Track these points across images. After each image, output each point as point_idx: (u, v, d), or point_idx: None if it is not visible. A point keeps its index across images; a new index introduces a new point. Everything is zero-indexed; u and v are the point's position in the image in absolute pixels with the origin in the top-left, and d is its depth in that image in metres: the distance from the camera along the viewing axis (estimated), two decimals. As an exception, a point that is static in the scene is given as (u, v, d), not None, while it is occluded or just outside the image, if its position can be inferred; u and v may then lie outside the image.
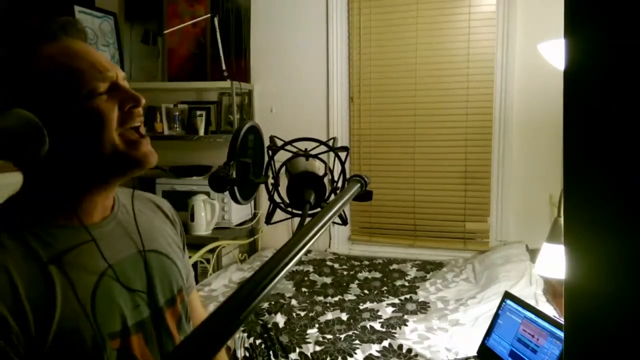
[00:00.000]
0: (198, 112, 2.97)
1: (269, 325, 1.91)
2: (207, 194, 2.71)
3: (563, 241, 0.37)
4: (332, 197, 0.71)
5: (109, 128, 0.74)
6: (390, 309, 2.10)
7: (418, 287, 2.33)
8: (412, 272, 2.57)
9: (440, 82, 2.82)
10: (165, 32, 3.09)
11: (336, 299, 2.24)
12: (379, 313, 2.06)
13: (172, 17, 3.17)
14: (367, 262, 2.74)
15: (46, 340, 0.68)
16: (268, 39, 3.02)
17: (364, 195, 0.68)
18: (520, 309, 1.48)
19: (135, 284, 0.81)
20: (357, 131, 3.01)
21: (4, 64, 0.73)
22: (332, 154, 0.74)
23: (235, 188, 0.68)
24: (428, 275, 2.51)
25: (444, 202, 2.88)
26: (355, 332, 1.88)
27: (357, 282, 2.46)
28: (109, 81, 0.76)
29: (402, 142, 2.92)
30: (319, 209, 0.60)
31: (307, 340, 1.82)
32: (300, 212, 0.65)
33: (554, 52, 1.71)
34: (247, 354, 1.80)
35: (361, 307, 2.13)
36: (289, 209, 0.70)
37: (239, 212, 2.87)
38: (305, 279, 2.50)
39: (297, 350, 1.76)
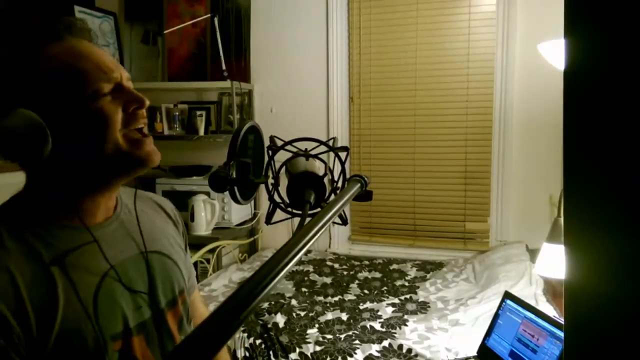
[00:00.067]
0: (198, 112, 2.97)
1: (269, 325, 1.91)
2: (207, 194, 2.71)
3: (563, 241, 0.37)
4: (332, 197, 0.71)
5: (112, 129, 0.74)
6: (390, 309, 2.10)
7: (418, 287, 2.33)
8: (412, 272, 2.57)
9: (440, 82, 2.82)
10: (165, 32, 3.09)
11: (336, 299, 2.24)
12: (379, 313, 2.06)
13: (172, 17, 3.17)
14: (367, 262, 2.74)
15: (48, 341, 0.68)
16: (268, 39, 3.02)
17: (364, 195, 0.68)
18: (520, 309, 1.48)
19: (137, 285, 0.81)
20: (357, 131, 3.01)
21: (8, 64, 0.73)
22: (332, 154, 0.74)
23: (235, 188, 0.68)
24: (428, 275, 2.51)
25: (444, 202, 2.88)
26: (355, 332, 1.88)
27: (357, 282, 2.46)
28: (113, 82, 0.76)
29: (402, 142, 2.92)
30: (319, 209, 0.60)
31: (307, 340, 1.82)
32: (300, 212, 0.65)
33: (554, 52, 1.71)
34: (247, 354, 1.80)
35: (361, 307, 2.13)
36: (289, 209, 0.70)
37: (239, 212, 2.87)
38: (305, 279, 2.50)
39: (297, 350, 1.76)
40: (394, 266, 2.66)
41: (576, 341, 0.38)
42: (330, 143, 0.75)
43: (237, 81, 2.82)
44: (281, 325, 1.95)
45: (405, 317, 2.00)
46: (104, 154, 0.75)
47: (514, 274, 2.23)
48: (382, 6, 2.88)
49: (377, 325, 1.93)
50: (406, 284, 2.41)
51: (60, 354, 0.69)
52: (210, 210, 2.70)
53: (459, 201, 2.86)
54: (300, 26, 2.97)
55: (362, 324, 1.95)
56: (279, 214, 0.72)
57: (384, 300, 2.19)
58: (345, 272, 2.60)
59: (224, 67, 2.84)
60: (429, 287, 2.34)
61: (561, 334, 1.32)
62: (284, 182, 0.71)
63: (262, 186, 0.72)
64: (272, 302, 2.16)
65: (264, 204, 2.94)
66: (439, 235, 2.92)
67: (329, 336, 1.85)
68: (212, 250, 2.62)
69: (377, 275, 2.55)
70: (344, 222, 0.69)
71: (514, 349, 1.44)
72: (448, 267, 2.60)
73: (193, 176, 2.89)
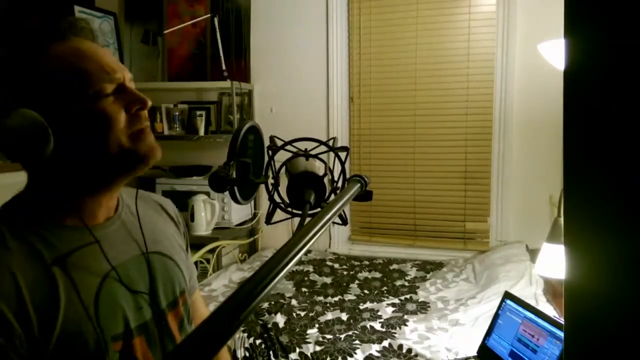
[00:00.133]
0: (198, 112, 2.97)
1: (269, 325, 1.91)
2: (207, 194, 2.71)
3: (563, 241, 0.37)
4: (332, 197, 0.71)
5: (115, 130, 0.74)
6: (390, 309, 2.10)
7: (418, 287, 2.33)
8: (412, 272, 2.57)
9: (440, 82, 2.82)
10: (165, 32, 3.09)
11: (336, 299, 2.24)
12: (379, 313, 2.06)
13: (172, 17, 3.17)
14: (367, 262, 2.74)
15: (49, 342, 0.68)
16: (268, 39, 3.02)
17: (364, 195, 0.68)
18: (520, 309, 1.48)
19: (138, 285, 0.81)
20: (357, 131, 3.01)
21: (12, 63, 0.73)
22: (332, 154, 0.74)
23: (235, 188, 0.68)
24: (428, 275, 2.51)
25: (444, 202, 2.88)
26: (355, 332, 1.88)
27: (357, 282, 2.46)
28: (116, 83, 0.75)
29: (402, 142, 2.92)
30: (319, 209, 0.60)
31: (307, 340, 1.82)
32: (300, 212, 0.65)
33: (554, 52, 1.71)
34: (247, 354, 1.80)
35: (361, 307, 2.13)
36: (289, 209, 0.70)
37: (239, 212, 2.87)
38: (305, 279, 2.50)
39: (297, 350, 1.76)
40: (394, 266, 2.66)
41: (576, 341, 0.38)
42: (330, 143, 0.75)
43: (237, 81, 2.82)
44: (281, 325, 1.95)
45: (405, 317, 2.00)
46: (107, 154, 0.74)
47: (514, 274, 2.23)
48: (382, 6, 2.88)
49: (377, 325, 1.93)
50: (406, 284, 2.41)
51: (61, 354, 0.69)
52: (210, 210, 2.70)
53: (459, 201, 2.86)
54: (300, 26, 2.97)
55: (362, 324, 1.95)
56: (279, 214, 0.72)
57: (384, 300, 2.19)
58: (345, 272, 2.60)
59: (224, 67, 2.84)
60: (429, 287, 2.34)
61: (561, 334, 1.32)
62: (284, 182, 0.71)
63: (262, 186, 0.72)
64: (272, 302, 2.16)
65: (264, 204, 2.94)
66: (439, 235, 2.92)
67: (329, 336, 1.85)
68: (212, 250, 2.62)
69: (377, 275, 2.55)
70: (344, 222, 0.69)
71: (514, 349, 1.44)
72: (448, 267, 2.60)
73: (193, 176, 2.89)
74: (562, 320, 1.29)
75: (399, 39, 2.87)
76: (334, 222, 0.55)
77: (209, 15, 2.93)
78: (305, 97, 3.00)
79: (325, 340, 1.82)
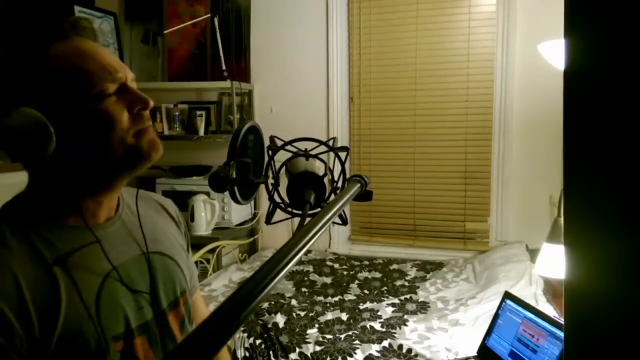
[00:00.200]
0: (198, 112, 2.97)
1: (269, 325, 1.91)
2: (207, 194, 2.71)
3: (563, 241, 0.37)
4: (332, 197, 0.71)
5: (117, 130, 0.74)
6: (390, 309, 2.10)
7: (418, 287, 2.33)
8: (412, 272, 2.57)
9: (440, 82, 2.82)
10: (165, 32, 3.09)
11: (336, 299, 2.24)
12: (379, 313, 2.06)
13: (172, 17, 3.17)
14: (367, 262, 2.74)
15: (50, 342, 0.68)
16: (268, 39, 3.02)
17: (364, 195, 0.68)
18: (520, 309, 1.48)
19: (138, 286, 0.81)
20: (357, 131, 3.01)
21: (14, 63, 0.73)
22: (332, 154, 0.74)
23: (235, 188, 0.68)
24: (428, 275, 2.51)
25: (444, 202, 2.88)
26: (355, 332, 1.88)
27: (357, 282, 2.46)
28: (118, 82, 0.75)
29: (402, 142, 2.92)
30: (319, 209, 0.60)
31: (307, 340, 1.82)
32: (300, 212, 0.65)
33: (554, 52, 1.71)
34: (247, 354, 1.80)
35: (361, 307, 2.13)
36: (289, 209, 0.70)
37: (239, 212, 2.87)
38: (305, 279, 2.50)
39: (297, 350, 1.76)
40: (394, 266, 2.66)
41: (576, 341, 0.38)
42: (330, 143, 0.75)
43: (237, 81, 2.82)
44: (281, 325, 1.95)
45: (405, 317, 2.00)
46: (109, 153, 0.74)
47: (514, 274, 2.23)
48: (382, 6, 2.88)
49: (377, 325, 1.93)
50: (406, 284, 2.41)
51: (62, 354, 0.69)
52: (210, 210, 2.70)
53: (459, 201, 2.86)
54: (300, 26, 2.97)
55: (362, 324, 1.95)
56: (279, 214, 0.72)
57: (384, 300, 2.19)
58: (345, 272, 2.60)
59: (224, 67, 2.84)
60: (429, 287, 2.34)
61: (561, 334, 1.32)
62: (284, 182, 0.71)
63: (262, 186, 0.72)
64: (272, 302, 2.16)
65: (264, 204, 2.94)
66: (439, 235, 2.92)
67: (329, 336, 1.85)
68: (212, 250, 2.62)
69: (377, 275, 2.55)
70: (344, 222, 0.69)
71: (514, 349, 1.44)
72: (448, 267, 2.60)
73: (193, 176, 2.89)
74: (562, 320, 1.29)
75: (399, 39, 2.87)
76: (334, 222, 0.55)
77: (209, 15, 2.93)
78: (305, 97, 3.00)
79: (325, 340, 1.82)
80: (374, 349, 1.74)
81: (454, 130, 2.83)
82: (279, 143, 0.74)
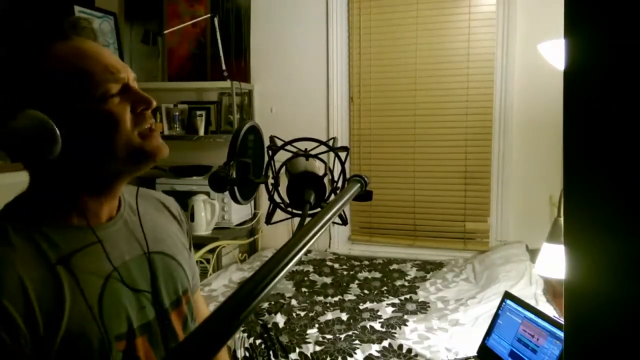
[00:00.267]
0: (198, 112, 2.97)
1: (269, 325, 1.91)
2: (207, 194, 2.71)
3: (563, 241, 0.37)
4: (332, 197, 0.71)
5: (122, 130, 0.74)
6: (390, 309, 2.10)
7: (418, 287, 2.33)
8: (412, 272, 2.57)
9: (440, 82, 2.82)
10: (165, 32, 3.09)
11: (336, 299, 2.24)
12: (379, 313, 2.06)
13: (172, 17, 3.17)
14: (367, 262, 2.74)
15: (54, 342, 0.68)
16: (268, 39, 3.02)
17: (364, 195, 0.68)
18: (520, 309, 1.48)
19: (140, 285, 0.81)
20: (357, 131, 3.01)
21: (16, 64, 0.73)
22: (332, 154, 0.74)
23: (235, 188, 0.68)
24: (428, 275, 2.51)
25: (444, 202, 2.88)
26: (355, 332, 1.88)
27: (357, 282, 2.46)
28: (120, 83, 0.75)
29: (402, 142, 2.92)
30: (319, 209, 0.60)
31: (307, 340, 1.82)
32: (300, 212, 0.64)
33: (554, 52, 1.71)
34: (247, 354, 1.80)
35: (361, 307, 2.13)
36: (289, 209, 0.70)
37: (239, 212, 2.87)
38: (305, 279, 2.50)
39: (297, 350, 1.76)
40: (394, 266, 2.66)
41: (576, 341, 0.38)
42: (330, 143, 0.75)
43: (237, 81, 2.82)
44: (281, 325, 1.95)
45: (405, 317, 2.00)
46: (113, 154, 0.75)
47: (514, 274, 2.23)
48: (382, 6, 2.88)
49: (377, 325, 1.93)
50: (406, 284, 2.41)
51: (66, 354, 0.69)
52: (210, 210, 2.70)
53: (459, 201, 2.86)
54: (300, 26, 2.97)
55: (362, 324, 1.95)
56: (279, 214, 0.72)
57: (384, 300, 2.19)
58: (345, 272, 2.60)
59: (224, 67, 2.84)
60: (429, 287, 2.34)
61: (561, 334, 1.32)
62: (284, 182, 0.71)
63: (262, 186, 0.72)
64: (272, 302, 2.16)
65: (264, 204, 2.94)
66: (439, 235, 2.92)
67: (329, 336, 1.85)
68: (212, 250, 2.62)
69: (377, 275, 2.55)
70: (344, 222, 0.69)
71: (514, 349, 1.44)
72: (448, 267, 2.60)
73: (193, 176, 2.89)
74: (562, 320, 1.29)
75: (399, 39, 2.87)
76: (334, 222, 0.55)
77: (209, 15, 2.93)
78: (305, 97, 3.00)
79: (325, 340, 1.82)
80: (374, 349, 1.74)
81: (454, 130, 2.83)
82: (279, 143, 0.74)
